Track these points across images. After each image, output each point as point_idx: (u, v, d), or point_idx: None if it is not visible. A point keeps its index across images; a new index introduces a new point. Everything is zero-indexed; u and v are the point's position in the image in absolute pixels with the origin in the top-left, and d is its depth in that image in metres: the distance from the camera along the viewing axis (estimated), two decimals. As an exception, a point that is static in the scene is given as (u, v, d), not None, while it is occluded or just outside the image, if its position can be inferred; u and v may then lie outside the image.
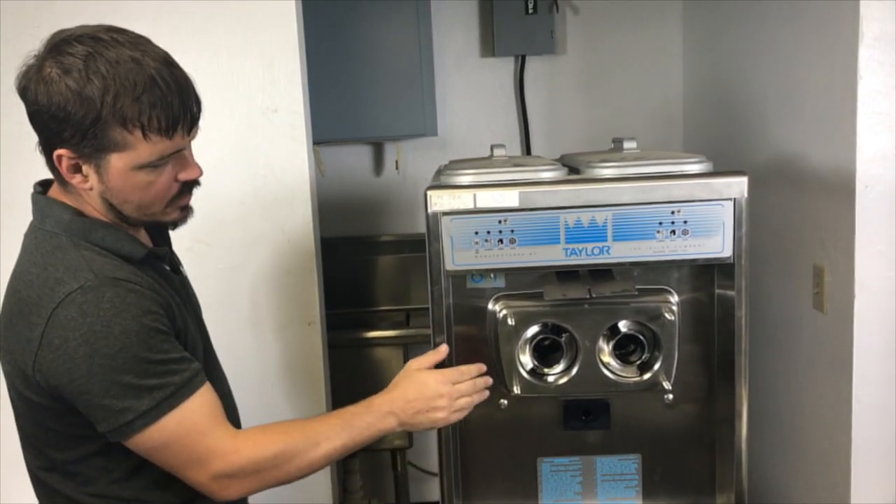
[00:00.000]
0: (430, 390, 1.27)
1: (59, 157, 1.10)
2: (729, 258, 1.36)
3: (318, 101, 2.12)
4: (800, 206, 1.88)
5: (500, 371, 1.41)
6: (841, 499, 1.72)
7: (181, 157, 1.15)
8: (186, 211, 1.20)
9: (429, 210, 1.35)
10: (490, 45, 2.69)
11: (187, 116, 1.11)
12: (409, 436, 2.34)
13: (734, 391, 1.41)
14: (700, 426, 1.48)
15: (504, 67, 2.74)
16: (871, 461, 1.68)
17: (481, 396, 1.35)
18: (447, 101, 2.75)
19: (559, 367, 1.42)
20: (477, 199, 1.34)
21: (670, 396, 1.45)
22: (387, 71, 2.57)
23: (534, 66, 2.73)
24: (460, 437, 1.46)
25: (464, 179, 1.39)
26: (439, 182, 1.41)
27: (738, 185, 1.33)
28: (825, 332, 1.78)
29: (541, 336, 1.40)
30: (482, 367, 1.37)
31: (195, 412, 1.11)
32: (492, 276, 1.42)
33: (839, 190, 1.68)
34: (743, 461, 1.42)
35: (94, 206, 1.15)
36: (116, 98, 1.05)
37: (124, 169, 1.10)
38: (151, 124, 1.07)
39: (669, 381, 1.39)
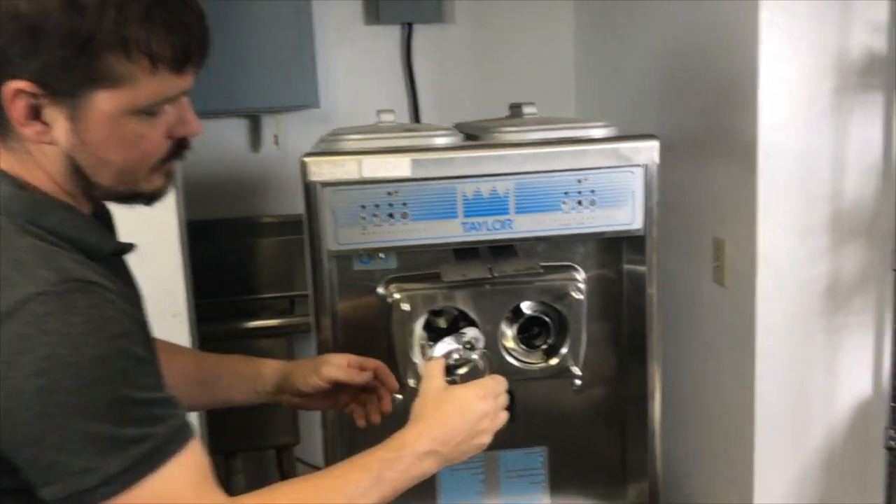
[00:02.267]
0: (473, 412, 0.98)
1: (14, 93, 0.77)
2: (639, 230, 1.25)
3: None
4: (700, 177, 1.81)
5: (393, 362, 1.25)
6: (744, 476, 1.67)
7: (181, 104, 0.85)
8: (170, 179, 0.90)
9: (307, 180, 1.18)
10: (374, 13, 2.51)
11: (203, 46, 0.83)
12: (296, 431, 2.16)
13: (645, 371, 1.31)
14: (609, 411, 1.38)
15: (390, 36, 2.57)
16: (773, 439, 1.64)
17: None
18: (330, 70, 2.55)
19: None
20: (363, 168, 1.17)
21: (578, 382, 1.34)
22: (263, 38, 2.34)
23: (422, 35, 2.57)
24: (348, 433, 1.29)
25: (348, 146, 1.22)
26: (320, 150, 1.24)
27: (648, 151, 1.23)
28: (726, 307, 1.72)
29: (438, 322, 1.25)
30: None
31: (180, 478, 0.79)
32: (381, 256, 1.26)
33: (740, 159, 1.61)
34: (657, 445, 1.33)
35: (47, 173, 0.83)
36: (121, 10, 0.76)
37: (114, 113, 0.80)
38: (163, 52, 0.78)
39: (578, 366, 1.28)
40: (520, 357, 1.29)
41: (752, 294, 1.61)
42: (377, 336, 1.26)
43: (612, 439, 1.39)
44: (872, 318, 1.63)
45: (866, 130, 1.57)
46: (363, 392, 1.16)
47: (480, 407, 0.99)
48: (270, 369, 1.15)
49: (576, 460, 1.39)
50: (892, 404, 1.61)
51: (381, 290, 1.27)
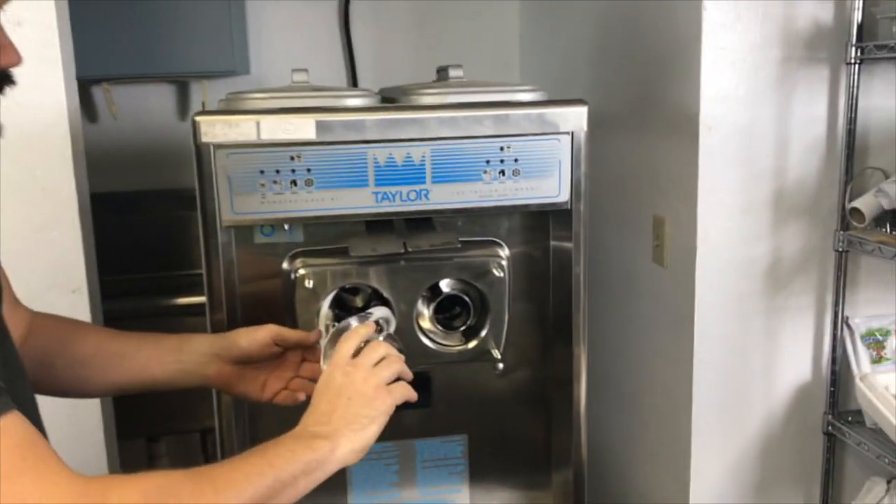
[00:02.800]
0: (334, 378, 0.90)
1: None
2: (566, 203, 1.16)
3: (106, 31, 1.76)
4: (640, 150, 1.74)
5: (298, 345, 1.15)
6: (680, 461, 1.62)
7: None
8: None
9: (198, 142, 1.06)
10: (310, -27, 2.38)
11: None
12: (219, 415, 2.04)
13: (571, 353, 1.22)
14: (534, 396, 1.29)
15: (327, 1, 2.44)
16: (710, 423, 1.59)
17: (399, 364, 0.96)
18: (262, 35, 2.41)
19: (370, 337, 1.17)
20: (261, 129, 1.05)
21: (500, 365, 1.25)
22: (189, -2, 2.20)
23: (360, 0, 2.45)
24: (249, 420, 1.19)
25: (248, 105, 1.11)
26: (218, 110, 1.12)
27: (576, 117, 1.13)
28: (665, 287, 1.67)
29: (355, 301, 1.14)
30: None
31: None
32: (286, 227, 1.15)
33: (682, 132, 1.54)
34: (582, 428, 1.25)
35: None
36: None
37: None
38: None
39: (499, 349, 1.19)
40: (437, 339, 1.19)
41: (691, 274, 1.55)
42: (282, 317, 1.14)
43: (536, 426, 1.30)
44: (813, 301, 1.59)
45: (811, 105, 1.51)
46: (296, 379, 1.08)
47: (340, 370, 0.90)
48: (200, 337, 1.05)
49: (498, 449, 1.30)
50: (832, 389, 1.58)
51: (285, 265, 1.16)
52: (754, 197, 1.52)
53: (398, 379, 0.93)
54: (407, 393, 0.93)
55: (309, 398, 0.91)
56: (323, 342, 1.01)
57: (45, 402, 0.89)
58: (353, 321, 0.99)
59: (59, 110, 1.49)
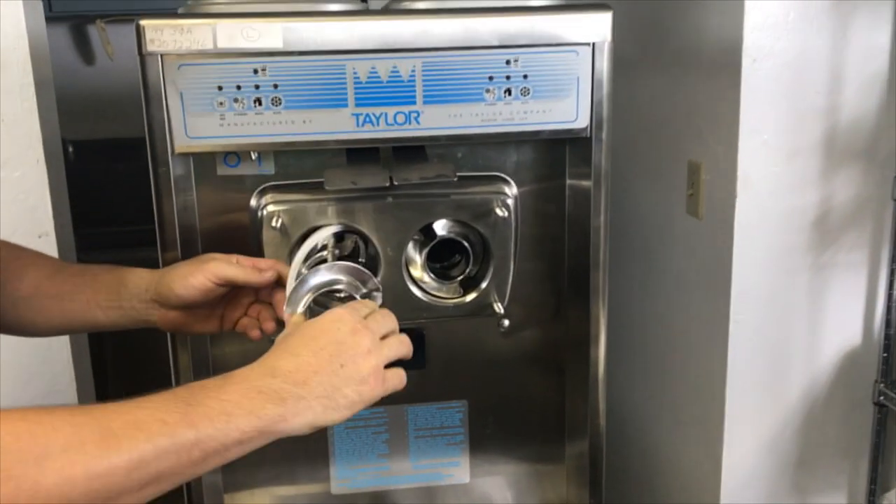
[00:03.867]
0: (338, 333, 0.73)
1: None
2: (584, 130, 0.97)
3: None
4: (673, 88, 1.57)
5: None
6: (712, 432, 1.47)
7: None
8: None
9: (144, 52, 0.89)
10: None
11: None
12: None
13: (588, 312, 1.05)
14: (544, 356, 1.12)
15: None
16: (747, 389, 1.44)
17: (407, 350, 0.82)
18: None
19: (352, 287, 0.99)
20: (218, 35, 0.88)
21: (506, 322, 1.08)
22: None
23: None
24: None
25: (204, 8, 0.93)
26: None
27: (598, 24, 0.94)
28: (700, 240, 1.52)
29: (324, 244, 0.97)
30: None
31: None
32: (253, 157, 0.98)
33: (722, 65, 1.37)
34: (599, 394, 1.08)
35: None
36: None
37: None
38: None
39: (503, 302, 1.01)
40: (431, 291, 1.02)
41: (729, 225, 1.39)
42: (249, 261, 0.97)
43: (547, 391, 1.13)
44: (867, 256, 1.42)
45: (871, 34, 1.33)
46: (255, 304, 0.93)
47: (349, 326, 0.73)
48: (139, 276, 0.90)
49: (503, 416, 1.14)
50: (884, 354, 1.42)
51: (253, 202, 0.99)
52: (802, 139, 1.36)
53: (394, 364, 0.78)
54: (399, 384, 0.78)
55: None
56: (290, 286, 0.84)
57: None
58: (331, 273, 0.84)
59: (19, 34, 1.33)
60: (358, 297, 0.86)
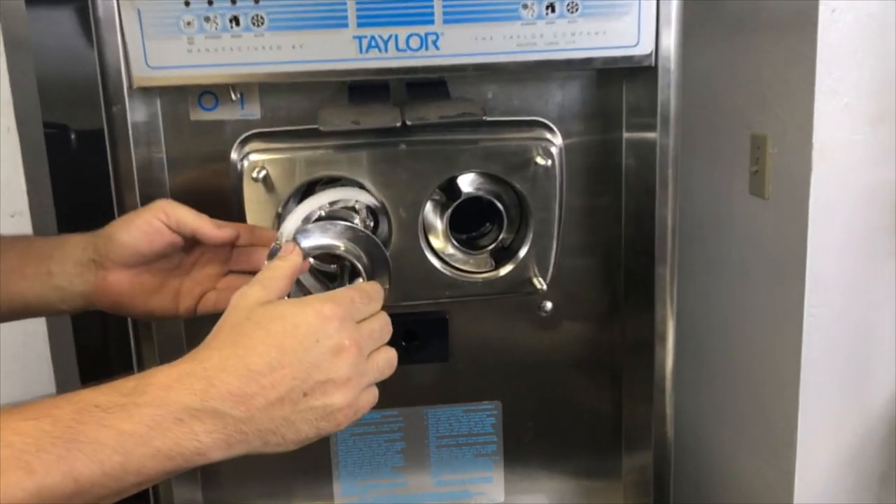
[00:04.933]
0: (318, 340, 0.54)
1: None
2: (648, 57, 0.77)
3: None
4: (732, 54, 1.44)
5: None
6: (783, 444, 1.30)
7: None
8: None
9: (89, -44, 0.70)
10: None
11: None
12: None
13: (652, 304, 0.84)
14: (597, 352, 0.92)
15: None
16: (824, 395, 1.27)
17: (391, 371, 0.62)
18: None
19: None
20: (180, -67, 0.69)
21: (548, 305, 0.87)
22: None
23: None
24: None
25: None
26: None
27: (665, -82, 0.74)
28: (766, 223, 1.36)
29: (322, 204, 0.77)
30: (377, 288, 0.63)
31: None
32: (234, 97, 0.79)
33: (794, 20, 1.20)
34: (667, 401, 0.87)
35: None
36: None
37: None
38: None
39: (545, 277, 0.81)
40: (455, 264, 0.82)
41: (803, 205, 1.21)
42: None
43: (600, 391, 0.92)
44: None
45: None
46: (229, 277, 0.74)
47: (328, 342, 0.54)
48: (79, 236, 0.71)
49: (544, 421, 0.93)
50: None
51: (234, 153, 0.80)
52: (890, 102, 1.18)
53: None
54: (368, 407, 0.58)
55: None
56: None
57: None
58: (318, 235, 0.64)
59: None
60: (362, 270, 0.67)
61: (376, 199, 0.78)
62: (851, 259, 1.23)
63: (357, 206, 0.76)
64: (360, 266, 0.67)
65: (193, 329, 0.83)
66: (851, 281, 1.23)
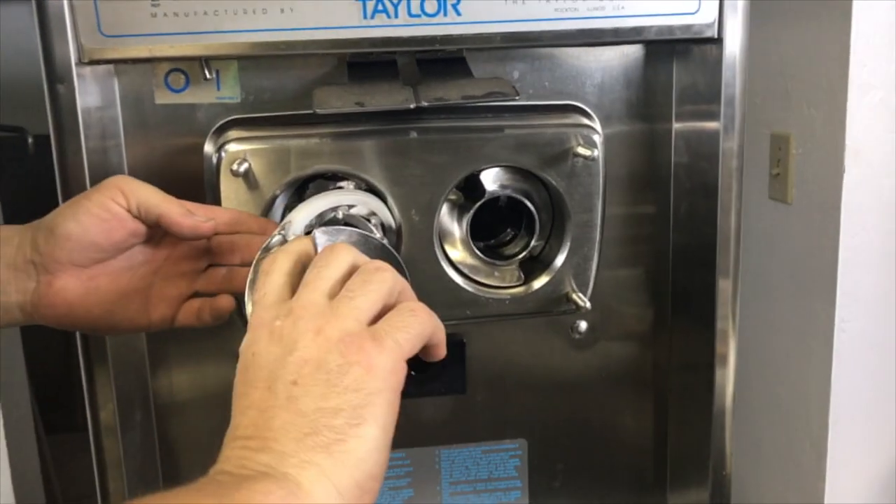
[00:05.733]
0: (262, 351, 0.44)
1: None
2: (710, 25, 0.64)
3: None
4: (754, 38, 1.33)
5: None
6: (811, 473, 1.22)
7: None
8: None
9: None
10: None
11: None
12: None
13: (705, 322, 0.71)
14: (638, 380, 0.78)
15: None
16: (856, 419, 1.18)
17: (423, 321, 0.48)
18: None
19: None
20: None
21: (582, 326, 0.74)
22: None
23: None
24: (157, 413, 0.69)
25: None
26: None
27: None
28: (790, 231, 1.28)
29: (341, 204, 0.63)
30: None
31: None
32: (208, 75, 0.65)
33: (824, 7, 1.12)
34: (727, 433, 0.73)
35: None
36: None
37: None
38: None
39: (585, 292, 0.67)
40: (476, 277, 0.68)
41: (834, 210, 1.13)
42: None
43: (642, 425, 0.79)
44: None
45: None
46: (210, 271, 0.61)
47: (265, 329, 0.44)
48: (7, 231, 0.57)
49: (578, 463, 0.79)
50: None
51: (209, 145, 0.66)
52: None
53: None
54: (425, 329, 0.46)
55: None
56: (254, 266, 0.51)
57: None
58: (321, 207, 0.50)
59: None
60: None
61: (386, 203, 0.64)
62: (886, 269, 1.14)
63: (373, 220, 0.63)
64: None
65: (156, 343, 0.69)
66: (885, 293, 1.14)
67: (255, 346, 0.43)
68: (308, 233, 0.54)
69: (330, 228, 0.52)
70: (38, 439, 1.36)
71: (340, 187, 0.64)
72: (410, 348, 0.44)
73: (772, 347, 1.31)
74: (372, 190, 0.65)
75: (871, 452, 1.21)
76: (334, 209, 0.60)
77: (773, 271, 1.30)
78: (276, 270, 0.46)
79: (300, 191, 0.65)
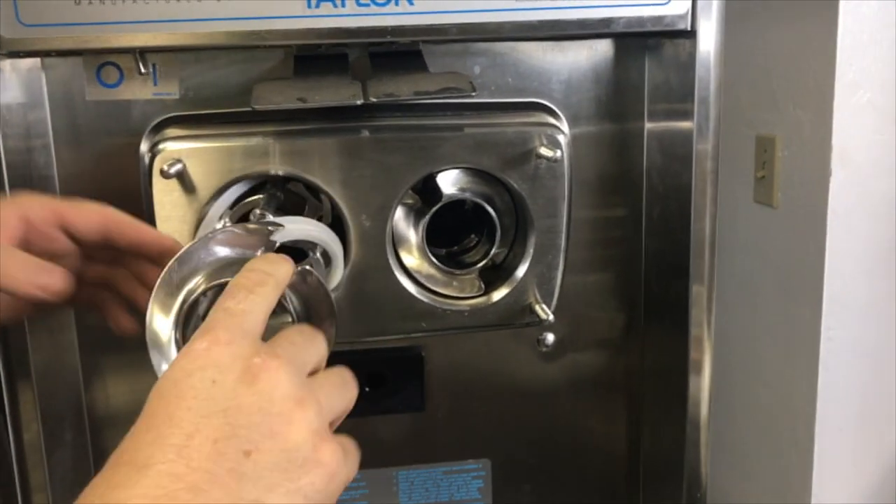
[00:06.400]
0: (214, 378, 0.36)
1: None
2: (683, 17, 0.59)
3: None
4: (735, 42, 1.32)
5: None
6: (796, 487, 1.17)
7: None
8: None
9: None
10: None
11: None
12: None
13: (678, 328, 0.67)
14: (608, 393, 0.74)
15: None
16: (844, 430, 1.14)
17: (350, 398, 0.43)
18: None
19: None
20: None
21: (549, 338, 0.69)
22: None
23: None
24: (92, 428, 0.64)
25: None
26: None
27: None
28: (775, 236, 1.25)
29: (252, 209, 0.59)
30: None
31: None
32: (143, 69, 0.60)
33: (810, 3, 1.07)
34: (702, 443, 0.69)
35: None
36: None
37: None
38: None
39: (549, 304, 0.63)
40: (434, 287, 0.64)
41: (820, 215, 1.08)
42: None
43: (613, 441, 0.75)
44: None
45: None
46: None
47: (231, 376, 0.36)
48: None
49: (545, 483, 0.75)
50: None
51: (144, 144, 0.61)
52: None
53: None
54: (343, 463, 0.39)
55: None
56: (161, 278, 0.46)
57: None
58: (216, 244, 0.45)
59: None
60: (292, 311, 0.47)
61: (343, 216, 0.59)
62: (874, 275, 1.09)
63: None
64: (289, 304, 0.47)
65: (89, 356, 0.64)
66: (873, 300, 1.09)
67: (219, 373, 0.35)
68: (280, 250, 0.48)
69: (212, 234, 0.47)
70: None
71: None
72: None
73: (756, 355, 1.27)
74: (318, 192, 0.60)
75: (858, 462, 1.17)
76: (313, 246, 0.55)
77: (759, 277, 1.26)
78: (266, 295, 0.39)
79: (248, 194, 0.61)
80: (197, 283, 0.44)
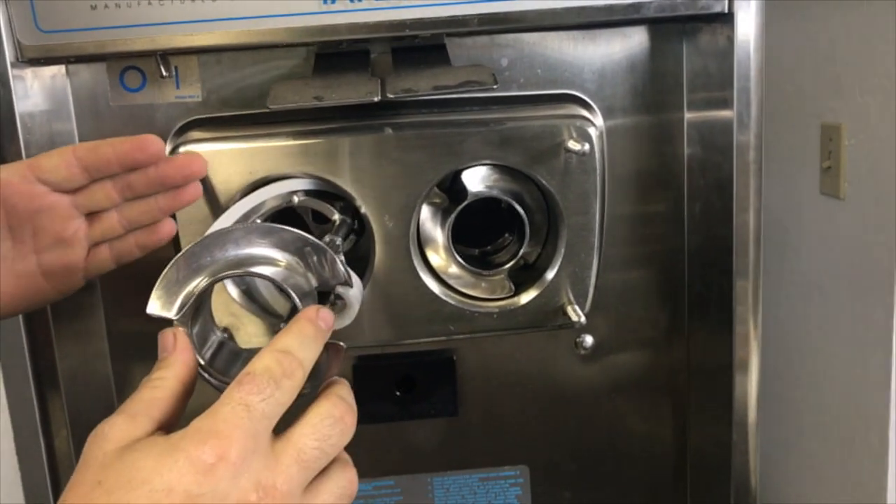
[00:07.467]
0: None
1: None
2: (719, 2, 0.56)
3: None
4: (797, 25, 1.25)
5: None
6: (871, 496, 1.09)
7: None
8: None
9: None
10: None
11: None
12: None
13: (723, 326, 0.63)
14: (651, 394, 0.71)
15: None
16: None
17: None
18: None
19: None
20: None
21: (588, 340, 0.66)
22: None
23: None
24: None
25: None
26: None
27: None
28: (843, 229, 1.18)
29: (276, 213, 0.58)
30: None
31: None
32: (164, 73, 0.59)
33: None
34: (751, 447, 0.65)
35: None
36: None
37: None
38: None
39: (583, 305, 0.60)
40: (462, 288, 0.61)
41: (890, 207, 1.01)
42: (164, 248, 0.59)
43: (657, 445, 0.71)
44: None
45: None
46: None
47: (213, 488, 0.35)
48: None
49: (586, 490, 0.72)
50: None
51: (169, 147, 0.61)
52: None
53: None
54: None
55: None
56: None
57: None
58: (247, 242, 0.44)
59: None
60: (298, 301, 0.45)
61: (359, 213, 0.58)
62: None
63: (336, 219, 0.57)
64: (297, 301, 0.46)
65: (120, 364, 0.64)
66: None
67: (189, 495, 0.34)
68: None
69: (238, 228, 0.46)
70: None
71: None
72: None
73: (824, 356, 1.21)
74: (339, 193, 0.59)
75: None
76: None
77: (827, 272, 1.20)
78: (289, 391, 0.39)
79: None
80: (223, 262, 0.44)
